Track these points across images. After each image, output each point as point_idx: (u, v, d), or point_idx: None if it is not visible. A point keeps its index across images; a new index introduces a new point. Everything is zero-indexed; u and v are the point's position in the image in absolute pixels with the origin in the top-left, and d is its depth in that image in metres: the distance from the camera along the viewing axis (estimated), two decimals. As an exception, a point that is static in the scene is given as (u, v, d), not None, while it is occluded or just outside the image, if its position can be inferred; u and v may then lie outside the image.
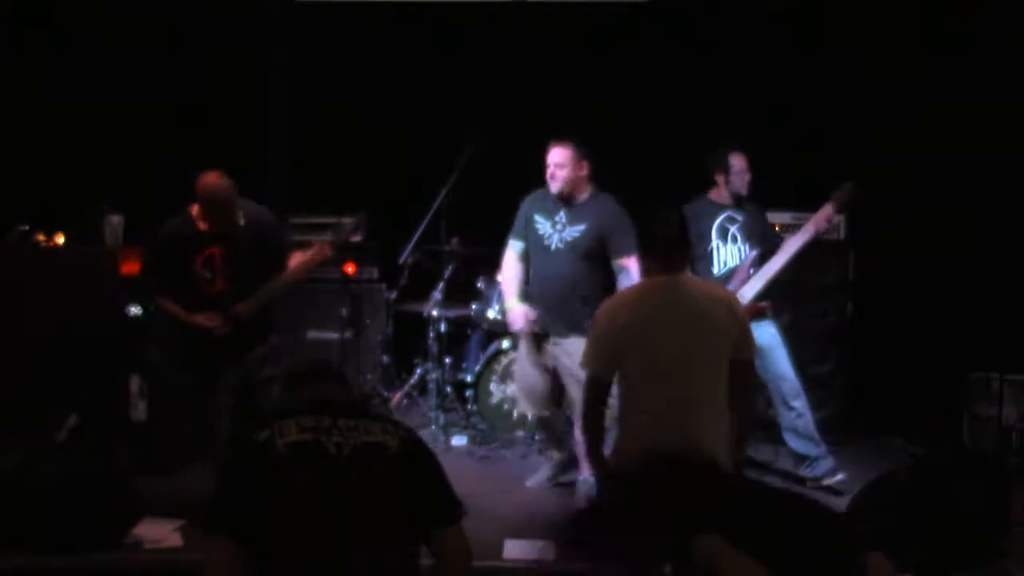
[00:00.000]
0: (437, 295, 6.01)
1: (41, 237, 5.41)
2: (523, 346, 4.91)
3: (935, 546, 3.85)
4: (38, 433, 4.77)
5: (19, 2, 6.43)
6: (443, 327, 6.11)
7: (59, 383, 5.02)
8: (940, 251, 6.04)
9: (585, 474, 4.80)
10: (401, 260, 5.60)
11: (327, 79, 6.80)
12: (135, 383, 5.18)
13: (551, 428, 5.03)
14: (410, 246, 5.48)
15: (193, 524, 2.20)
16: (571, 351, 4.66)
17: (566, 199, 4.76)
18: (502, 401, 5.97)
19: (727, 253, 5.06)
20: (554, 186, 4.72)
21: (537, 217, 4.83)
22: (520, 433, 5.88)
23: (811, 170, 5.82)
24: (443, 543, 2.33)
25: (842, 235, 6.04)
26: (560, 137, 4.72)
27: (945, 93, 6.15)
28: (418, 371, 6.45)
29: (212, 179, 4.38)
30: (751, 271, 4.90)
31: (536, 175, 5.07)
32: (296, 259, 4.54)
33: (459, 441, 5.94)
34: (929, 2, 6.19)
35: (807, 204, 5.80)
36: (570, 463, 5.02)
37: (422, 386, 6.42)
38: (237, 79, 6.62)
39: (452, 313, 6.17)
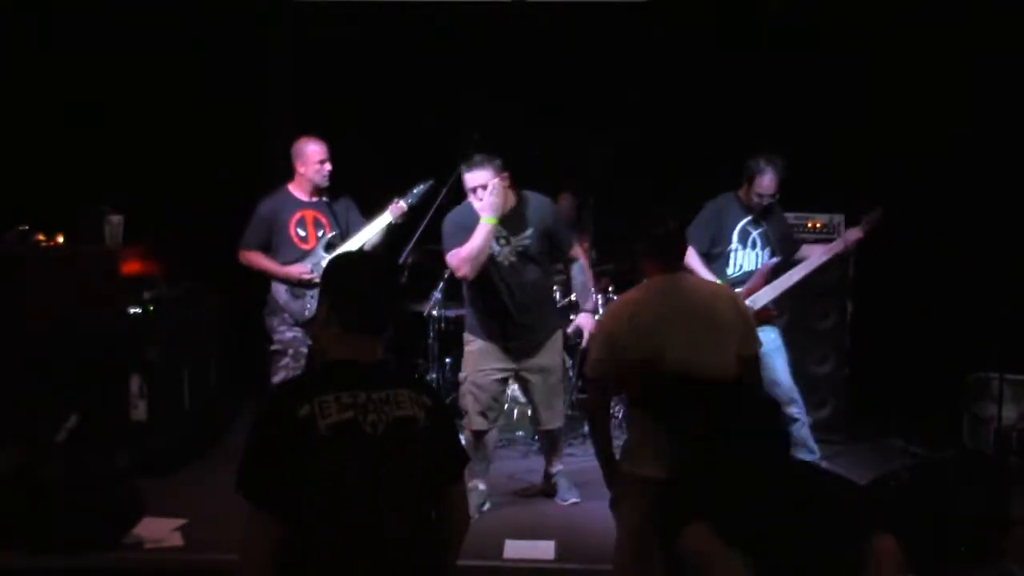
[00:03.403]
0: (437, 295, 6.01)
1: (41, 237, 5.41)
2: (477, 360, 4.71)
3: (935, 546, 3.85)
4: (38, 433, 4.77)
5: (21, 2, 6.43)
6: (443, 327, 6.11)
7: (59, 383, 5.02)
8: (940, 251, 6.04)
9: (481, 485, 4.75)
10: (401, 260, 5.59)
11: (327, 79, 6.80)
12: (135, 383, 5.18)
13: (489, 446, 4.82)
14: (410, 246, 5.47)
15: (234, 491, 2.19)
16: (547, 354, 4.73)
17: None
18: (503, 402, 5.96)
19: (744, 257, 5.03)
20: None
21: None
22: (520, 433, 5.88)
23: (811, 170, 5.80)
24: (448, 499, 2.41)
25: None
26: (469, 160, 4.49)
27: (944, 93, 6.15)
28: (418, 371, 6.44)
29: (308, 139, 5.12)
30: (767, 278, 4.90)
31: (537, 175, 5.08)
32: (375, 221, 5.04)
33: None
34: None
35: (806, 205, 5.81)
36: (489, 495, 4.81)
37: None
38: (237, 79, 6.62)
39: (452, 313, 6.16)
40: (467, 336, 4.81)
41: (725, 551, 2.58)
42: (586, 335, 4.72)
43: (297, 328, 4.99)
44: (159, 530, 4.24)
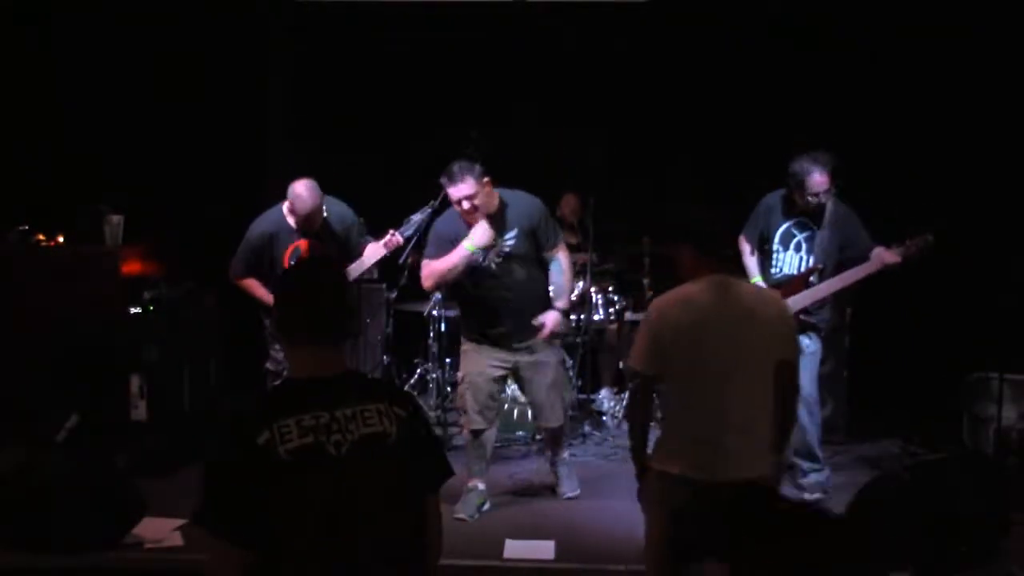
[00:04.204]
0: (437, 295, 6.01)
1: (41, 237, 5.41)
2: (473, 360, 4.74)
3: (935, 546, 3.85)
4: (38, 433, 4.77)
5: (21, 3, 6.43)
6: (443, 327, 6.11)
7: (59, 383, 5.02)
8: (940, 251, 6.03)
9: (481, 485, 4.74)
10: (401, 260, 5.60)
11: (327, 79, 6.80)
12: (135, 383, 5.18)
13: (487, 445, 4.81)
14: (410, 246, 5.48)
15: (192, 524, 2.14)
16: (542, 352, 4.72)
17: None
18: (502, 401, 5.96)
19: (786, 259, 4.90)
20: (477, 218, 4.52)
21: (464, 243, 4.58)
22: (520, 433, 5.88)
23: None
24: (424, 510, 2.33)
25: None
26: (450, 173, 4.50)
27: (943, 93, 6.15)
28: (418, 371, 6.45)
29: (300, 189, 4.84)
30: (809, 283, 4.77)
31: (538, 175, 5.08)
32: (370, 249, 4.98)
33: (459, 441, 5.93)
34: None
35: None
36: (487, 495, 4.80)
37: (422, 386, 6.42)
38: (237, 79, 6.62)
39: (452, 313, 6.15)
40: (462, 337, 4.84)
41: None
42: (547, 331, 4.68)
43: None
44: (159, 530, 4.24)
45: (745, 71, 6.47)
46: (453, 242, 4.54)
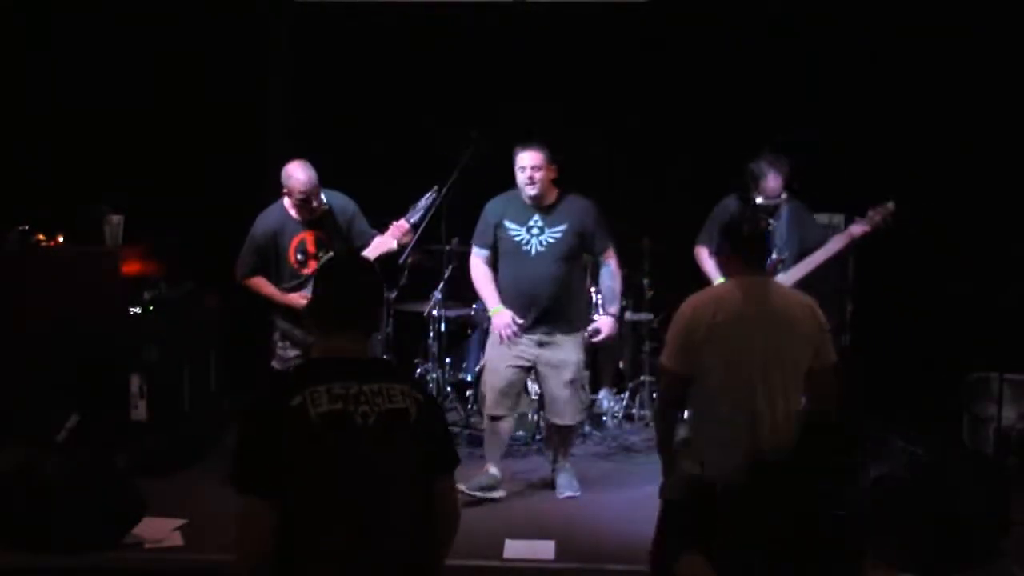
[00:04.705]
0: (437, 295, 6.00)
1: (41, 237, 5.41)
2: (496, 346, 4.90)
3: (935, 546, 3.85)
4: (38, 433, 4.77)
5: (21, 2, 6.43)
6: (443, 327, 6.11)
7: (59, 383, 5.03)
8: (940, 251, 6.04)
9: (492, 469, 4.88)
10: (401, 260, 5.60)
11: (327, 79, 6.79)
12: (135, 383, 5.18)
13: (502, 434, 4.96)
14: (410, 246, 5.48)
15: (226, 480, 2.24)
16: (564, 350, 4.83)
17: (538, 202, 4.80)
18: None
19: None
20: (532, 190, 4.74)
21: (508, 224, 4.84)
22: (520, 433, 5.88)
23: (812, 169, 5.80)
24: (438, 492, 2.43)
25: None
26: (529, 142, 4.76)
27: (945, 94, 6.15)
28: (418, 371, 6.44)
29: (292, 168, 4.83)
30: (775, 273, 4.83)
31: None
32: (377, 241, 4.91)
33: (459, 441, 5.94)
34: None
35: (806, 205, 5.79)
36: (499, 482, 4.92)
37: (422, 386, 6.41)
38: (237, 79, 6.62)
39: (452, 313, 6.16)
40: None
41: None
42: (602, 337, 5.01)
43: (298, 349, 4.89)
44: (159, 530, 4.24)
45: (745, 71, 6.46)
46: (496, 227, 4.85)
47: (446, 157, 5.49)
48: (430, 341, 6.12)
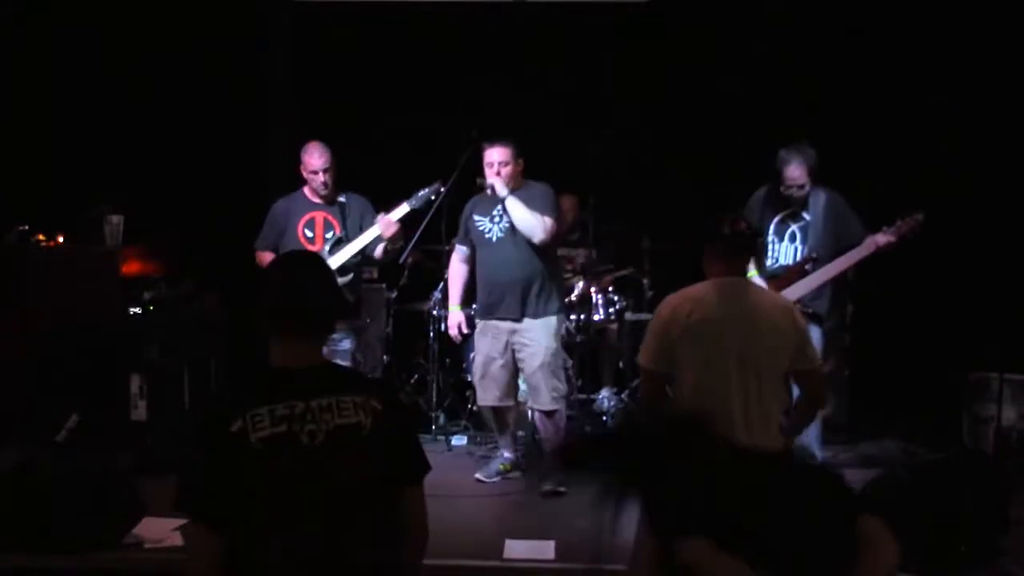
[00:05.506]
0: (437, 295, 6.01)
1: (41, 237, 5.41)
2: (479, 340, 5.10)
3: (935, 546, 3.85)
4: (38, 433, 4.77)
5: (20, 2, 6.43)
6: (443, 327, 6.11)
7: (59, 383, 5.02)
8: (940, 251, 6.03)
9: (506, 453, 5.21)
10: (401, 260, 5.60)
11: (327, 79, 6.80)
12: (135, 383, 5.18)
13: (505, 419, 5.19)
14: (410, 246, 5.48)
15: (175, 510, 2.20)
16: (533, 334, 4.93)
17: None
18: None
19: (781, 250, 4.94)
20: (497, 182, 4.90)
21: (476, 217, 5.08)
22: (521, 433, 5.88)
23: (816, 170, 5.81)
24: (405, 503, 2.35)
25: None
26: (495, 138, 4.94)
27: (948, 95, 6.15)
28: (418, 371, 6.45)
29: (311, 144, 5.12)
30: (805, 272, 4.78)
31: (538, 175, 5.08)
32: (383, 222, 5.04)
33: (459, 441, 5.94)
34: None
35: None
36: (514, 464, 5.25)
37: (422, 386, 6.42)
38: (237, 79, 6.62)
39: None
40: (475, 319, 5.22)
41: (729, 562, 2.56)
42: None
43: None
44: (159, 530, 4.24)
45: (745, 71, 6.46)
46: (467, 222, 5.11)
47: (446, 157, 5.50)
48: (430, 341, 6.12)
